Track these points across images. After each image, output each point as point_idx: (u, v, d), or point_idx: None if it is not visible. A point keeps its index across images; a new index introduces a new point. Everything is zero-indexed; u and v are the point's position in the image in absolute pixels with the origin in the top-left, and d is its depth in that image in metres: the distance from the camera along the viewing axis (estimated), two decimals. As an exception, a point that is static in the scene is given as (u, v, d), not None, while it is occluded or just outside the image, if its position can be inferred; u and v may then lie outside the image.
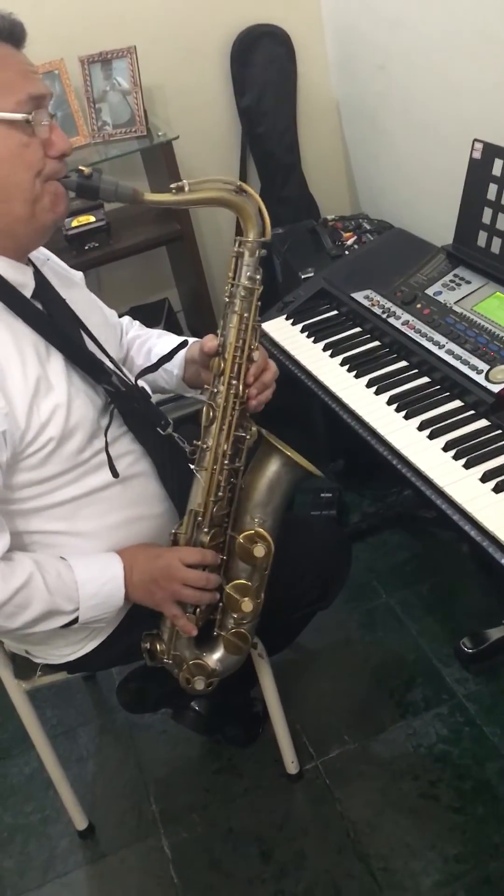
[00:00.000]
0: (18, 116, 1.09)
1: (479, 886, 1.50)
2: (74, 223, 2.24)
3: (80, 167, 1.16)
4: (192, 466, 1.31)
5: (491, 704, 1.79)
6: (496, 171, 1.71)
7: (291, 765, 1.73)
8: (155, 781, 1.81)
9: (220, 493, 1.29)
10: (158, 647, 1.35)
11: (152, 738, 1.89)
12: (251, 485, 1.33)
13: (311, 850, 1.62)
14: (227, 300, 1.27)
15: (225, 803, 1.74)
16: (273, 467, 1.33)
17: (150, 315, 2.56)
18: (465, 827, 1.59)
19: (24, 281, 1.21)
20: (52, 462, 1.20)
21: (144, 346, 1.53)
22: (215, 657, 1.36)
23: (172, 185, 1.17)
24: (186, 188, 1.17)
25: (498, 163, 1.71)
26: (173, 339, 1.52)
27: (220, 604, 1.33)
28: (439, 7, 1.91)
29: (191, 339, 1.47)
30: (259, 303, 1.27)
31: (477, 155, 1.75)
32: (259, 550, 1.30)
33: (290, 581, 1.46)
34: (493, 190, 1.73)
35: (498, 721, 1.76)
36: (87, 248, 2.26)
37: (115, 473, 1.26)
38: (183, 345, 1.44)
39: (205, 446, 1.28)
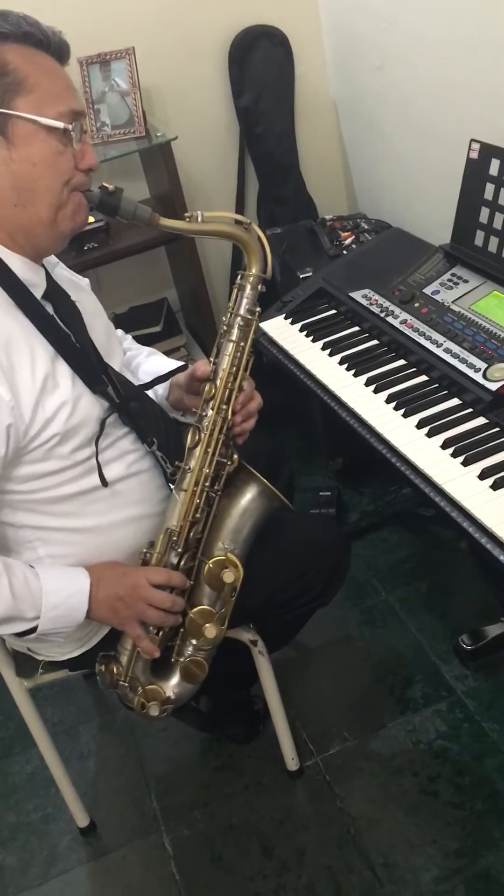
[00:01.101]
0: (59, 125, 1.14)
1: (478, 881, 1.51)
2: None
3: (105, 184, 1.20)
4: (171, 487, 1.32)
5: (490, 701, 1.80)
6: (493, 170, 1.72)
7: (292, 761, 1.74)
8: (156, 779, 1.82)
9: (198, 516, 1.31)
10: (115, 669, 1.35)
11: (153, 735, 1.90)
12: (225, 511, 1.35)
13: (311, 846, 1.63)
14: (225, 329, 1.33)
15: (226, 800, 1.75)
16: (249, 495, 1.36)
17: (149, 315, 2.57)
18: (465, 822, 1.60)
19: (36, 281, 1.23)
20: (55, 457, 1.21)
21: (133, 361, 1.56)
22: (171, 684, 1.36)
23: (187, 214, 1.24)
24: (200, 219, 1.24)
25: (495, 163, 1.72)
26: (161, 360, 1.55)
27: (181, 629, 1.34)
28: (436, 8, 1.92)
29: (187, 364, 1.49)
30: (254, 336, 1.33)
31: (474, 155, 1.76)
32: (229, 576, 1.32)
33: (290, 579, 1.47)
34: (490, 189, 1.74)
35: (497, 717, 1.77)
36: (86, 248, 2.27)
37: (104, 482, 1.27)
38: (182, 368, 1.46)
39: (187, 468, 1.31)
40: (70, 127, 1.15)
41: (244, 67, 2.44)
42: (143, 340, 2.49)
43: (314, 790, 1.73)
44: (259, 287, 1.32)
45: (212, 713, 1.81)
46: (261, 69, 2.45)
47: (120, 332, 1.61)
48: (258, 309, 1.33)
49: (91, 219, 2.26)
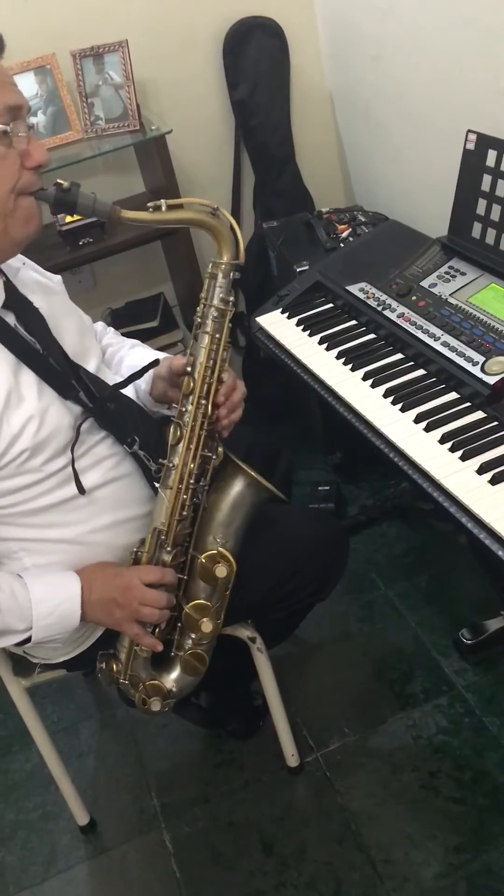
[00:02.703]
0: None
1: (479, 876, 1.51)
2: (68, 219, 2.23)
3: (59, 181, 1.14)
4: (156, 485, 1.31)
5: (490, 695, 1.80)
6: (490, 161, 1.70)
7: (292, 757, 1.74)
8: (156, 776, 1.82)
9: (185, 513, 1.30)
10: (115, 667, 1.35)
11: (153, 732, 1.90)
12: (214, 505, 1.34)
13: (312, 843, 1.63)
14: (199, 321, 1.29)
15: (226, 797, 1.74)
16: (237, 488, 1.35)
17: (146, 310, 2.56)
18: (466, 817, 1.60)
19: None
20: (27, 472, 1.20)
21: (116, 356, 1.52)
22: (172, 678, 1.36)
23: (150, 204, 1.18)
24: (164, 208, 1.18)
25: (492, 154, 1.70)
26: (144, 352, 1.51)
27: (179, 624, 1.34)
28: (432, -3, 1.90)
29: (162, 356, 1.46)
30: (230, 325, 1.29)
31: (471, 146, 1.74)
32: (221, 571, 1.31)
33: (289, 574, 1.46)
34: (487, 181, 1.73)
35: (497, 711, 1.76)
36: (81, 243, 2.25)
37: (81, 490, 1.25)
38: (154, 364, 1.42)
39: (171, 465, 1.29)
40: (8, 128, 1.08)
41: (239, 59, 2.41)
42: (139, 335, 2.48)
43: (314, 786, 1.72)
44: (232, 275, 1.27)
45: (212, 710, 1.81)
46: (255, 61, 2.43)
47: (100, 325, 1.58)
48: (232, 298, 1.29)
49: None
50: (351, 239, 2.23)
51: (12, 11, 2.09)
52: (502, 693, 1.80)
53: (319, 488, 2.38)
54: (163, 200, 1.19)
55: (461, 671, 1.86)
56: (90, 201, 1.15)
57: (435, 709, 1.80)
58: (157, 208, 1.18)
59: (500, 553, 1.22)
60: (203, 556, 1.32)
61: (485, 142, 1.71)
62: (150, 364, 1.42)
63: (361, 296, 1.83)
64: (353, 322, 1.82)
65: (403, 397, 1.55)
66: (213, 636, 1.35)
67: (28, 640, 1.26)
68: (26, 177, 1.13)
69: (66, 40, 2.18)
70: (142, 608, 1.27)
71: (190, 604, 1.33)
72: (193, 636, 1.34)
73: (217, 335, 1.28)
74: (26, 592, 1.24)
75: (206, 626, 1.32)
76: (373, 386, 1.61)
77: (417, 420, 1.49)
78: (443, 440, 1.42)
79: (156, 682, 1.35)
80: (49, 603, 1.25)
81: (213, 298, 1.28)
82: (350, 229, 2.27)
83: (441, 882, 1.51)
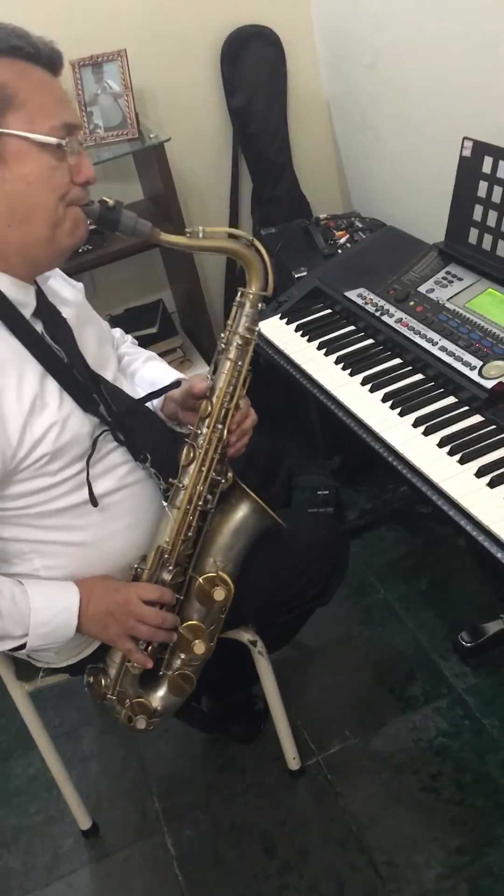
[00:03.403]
0: (52, 140, 1.12)
1: (481, 878, 1.51)
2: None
3: (105, 198, 1.18)
4: (164, 504, 1.32)
5: (490, 697, 1.80)
6: (486, 168, 1.72)
7: (293, 761, 1.74)
8: (158, 779, 1.83)
9: (190, 533, 1.31)
10: (103, 681, 1.35)
11: (154, 736, 1.90)
12: (217, 528, 1.36)
13: (314, 845, 1.63)
14: (223, 346, 1.31)
15: (228, 800, 1.75)
16: (242, 513, 1.36)
17: (145, 316, 2.57)
18: (467, 819, 1.60)
19: (25, 300, 1.21)
20: (44, 475, 1.21)
21: (130, 367, 1.54)
22: (158, 696, 1.36)
23: (187, 230, 1.23)
24: (201, 234, 1.22)
25: (488, 160, 1.72)
26: (159, 367, 1.53)
27: (171, 643, 1.34)
28: (428, 6, 1.92)
29: (181, 376, 1.47)
30: (252, 353, 1.31)
31: (467, 153, 1.76)
32: (219, 594, 1.32)
33: (289, 578, 1.47)
34: (483, 187, 1.75)
35: (497, 714, 1.77)
36: (80, 250, 2.26)
37: (94, 502, 1.26)
38: (175, 384, 1.43)
39: (181, 485, 1.31)
40: (64, 142, 1.13)
41: (236, 67, 2.44)
42: (139, 342, 2.50)
43: (316, 789, 1.73)
44: (259, 305, 1.30)
45: (213, 713, 1.81)
46: (253, 69, 2.45)
47: (118, 332, 1.60)
48: (258, 328, 1.31)
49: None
50: (349, 245, 2.25)
51: (11, 21, 2.11)
52: (502, 695, 1.81)
53: (319, 493, 2.39)
54: (200, 227, 1.23)
55: (461, 674, 1.87)
56: (132, 221, 1.19)
57: (435, 711, 1.81)
58: (195, 234, 1.23)
59: (498, 555, 1.23)
60: (202, 577, 1.33)
61: (481, 149, 1.73)
62: (171, 384, 1.43)
63: (360, 301, 1.84)
64: (352, 327, 1.84)
65: (402, 402, 1.57)
66: (205, 658, 1.36)
67: (22, 647, 1.27)
68: (75, 190, 1.17)
69: (65, 50, 2.15)
70: (137, 625, 1.28)
71: (184, 624, 1.33)
72: (184, 656, 1.35)
73: (239, 362, 1.31)
74: (26, 599, 1.25)
75: (199, 647, 1.33)
76: (371, 391, 1.62)
77: (416, 424, 1.50)
78: (441, 444, 1.44)
79: (142, 699, 1.35)
80: (48, 611, 1.26)
81: (238, 326, 1.30)
82: (347, 235, 2.29)
83: (442, 884, 1.52)
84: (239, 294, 1.31)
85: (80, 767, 1.87)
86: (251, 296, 1.30)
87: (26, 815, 1.82)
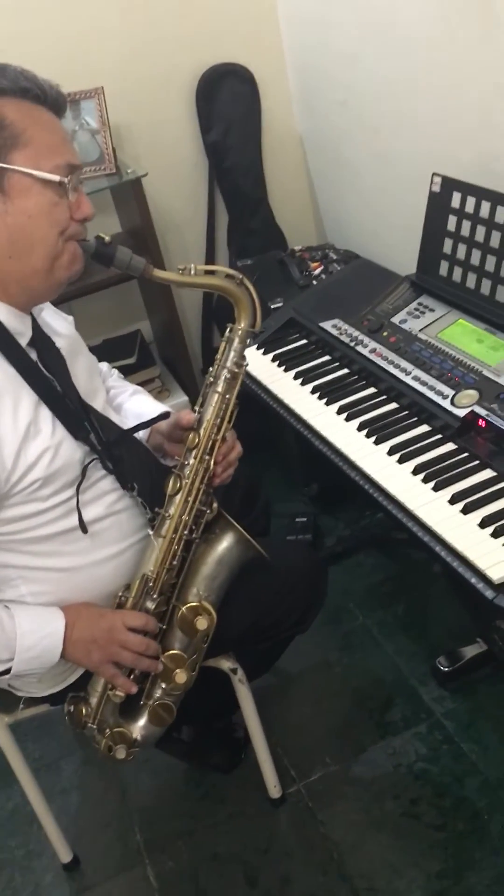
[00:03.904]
0: (55, 178, 1.16)
1: (461, 902, 1.52)
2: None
3: (101, 234, 1.23)
4: (150, 532, 1.34)
5: (468, 721, 1.82)
6: (455, 203, 1.78)
7: (274, 789, 1.75)
8: (139, 810, 1.82)
9: (174, 563, 1.33)
10: (84, 710, 1.35)
11: (135, 767, 1.90)
12: (201, 558, 1.38)
13: (296, 874, 1.63)
14: (212, 380, 1.35)
15: (209, 829, 1.75)
16: (225, 544, 1.39)
17: (123, 347, 2.59)
18: (447, 843, 1.61)
19: (22, 329, 1.24)
20: (35, 500, 1.23)
21: (116, 399, 1.57)
22: (138, 726, 1.37)
23: (180, 267, 1.27)
24: (193, 272, 1.27)
25: (456, 196, 1.77)
26: (145, 400, 1.57)
27: (152, 673, 1.36)
28: (396, 46, 1.98)
29: (167, 409, 1.51)
30: (239, 388, 1.35)
31: (436, 188, 1.82)
32: (202, 623, 1.34)
33: (269, 607, 1.49)
34: (452, 221, 1.80)
35: (475, 738, 1.79)
36: (59, 282, 2.29)
37: (83, 529, 1.28)
38: (164, 416, 1.47)
39: (167, 515, 1.33)
40: (66, 180, 1.17)
41: (211, 104, 2.49)
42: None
43: (297, 817, 1.73)
44: (247, 341, 1.35)
45: (194, 743, 1.81)
46: (228, 105, 2.50)
47: (105, 366, 1.63)
48: (246, 363, 1.35)
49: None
50: (323, 276, 2.29)
51: (-10, 59, 2.15)
52: (480, 719, 1.82)
53: (297, 520, 2.41)
54: (193, 264, 1.27)
55: (439, 698, 1.89)
56: (127, 257, 1.24)
57: (414, 736, 1.83)
58: (187, 271, 1.27)
59: (472, 580, 1.26)
60: (185, 606, 1.34)
61: (450, 184, 1.78)
62: (160, 416, 1.46)
63: (334, 332, 1.88)
64: (327, 357, 1.88)
65: (377, 430, 1.60)
66: (186, 688, 1.37)
67: (8, 671, 1.27)
68: (74, 226, 1.21)
69: (43, 87, 2.23)
70: (121, 651, 1.29)
71: (166, 653, 1.34)
72: (165, 686, 1.36)
73: (227, 395, 1.35)
74: (13, 623, 1.26)
75: (181, 676, 1.34)
76: (347, 419, 1.65)
77: (391, 452, 1.53)
78: (416, 471, 1.47)
79: (122, 729, 1.36)
80: (33, 636, 1.27)
81: (227, 360, 1.35)
82: (322, 267, 2.33)
83: (424, 909, 1.53)
84: (228, 329, 1.36)
85: (60, 800, 1.86)
86: (240, 331, 1.35)
87: (6, 849, 1.80)
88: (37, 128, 1.16)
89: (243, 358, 1.35)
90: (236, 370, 1.35)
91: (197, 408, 1.36)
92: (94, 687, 1.36)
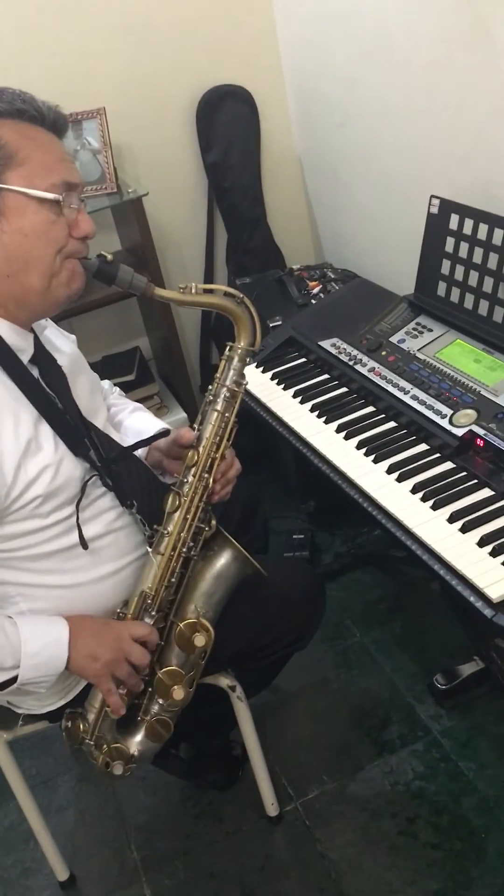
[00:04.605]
0: (50, 196, 1.17)
1: (459, 921, 1.52)
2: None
3: (104, 252, 1.24)
4: (148, 549, 1.35)
5: (465, 740, 1.83)
6: (453, 225, 1.80)
7: (271, 807, 1.74)
8: (136, 828, 1.81)
9: (173, 579, 1.34)
10: (81, 726, 1.35)
11: (132, 784, 1.89)
12: (199, 575, 1.39)
13: (292, 892, 1.63)
14: (211, 398, 1.36)
15: (206, 848, 1.74)
16: (223, 560, 1.40)
17: (123, 363, 2.61)
18: (444, 862, 1.61)
19: (23, 346, 1.26)
20: (35, 517, 1.24)
21: (116, 417, 1.58)
22: (135, 741, 1.37)
23: (181, 286, 1.28)
24: (193, 290, 1.28)
25: (454, 217, 1.80)
26: (146, 418, 1.58)
27: (149, 689, 1.36)
28: (394, 69, 2.01)
29: (167, 426, 1.52)
30: (238, 406, 1.37)
31: (434, 210, 1.84)
32: (200, 640, 1.34)
33: (267, 624, 1.49)
34: (450, 243, 1.82)
35: (472, 756, 1.79)
36: (60, 299, 2.30)
37: (84, 545, 1.29)
38: (164, 433, 1.48)
39: (165, 532, 1.34)
40: (60, 198, 1.18)
41: (211, 124, 2.52)
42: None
43: (294, 835, 1.73)
44: (247, 360, 1.36)
45: (191, 761, 1.81)
46: (227, 126, 2.53)
47: (107, 383, 1.64)
48: (245, 381, 1.37)
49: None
50: (322, 295, 2.31)
51: (-6, 80, 2.18)
52: (477, 738, 1.83)
53: (294, 537, 2.42)
54: (194, 283, 1.28)
55: (436, 716, 1.89)
56: (129, 276, 1.25)
57: (411, 754, 1.83)
58: (188, 290, 1.28)
59: (471, 599, 1.27)
60: (183, 623, 1.35)
61: (447, 207, 1.81)
62: (159, 433, 1.48)
63: (333, 351, 1.90)
64: (326, 376, 1.89)
65: (375, 448, 1.61)
66: (183, 705, 1.37)
67: (13, 680, 1.27)
68: (73, 244, 1.22)
69: (46, 107, 2.26)
70: (122, 663, 1.29)
71: (163, 670, 1.35)
72: (162, 702, 1.36)
73: (227, 414, 1.36)
74: (17, 631, 1.26)
75: (178, 693, 1.34)
76: (346, 438, 1.67)
77: (390, 471, 1.54)
78: (414, 490, 1.48)
79: (119, 745, 1.36)
80: (37, 643, 1.27)
81: (226, 379, 1.36)
82: (320, 286, 2.35)
83: (421, 928, 1.53)
84: (228, 348, 1.37)
85: (56, 817, 1.86)
86: (240, 350, 1.36)
87: (2, 866, 1.79)
88: (32, 147, 1.18)
89: (243, 377, 1.37)
90: (236, 389, 1.36)
91: (196, 426, 1.37)
92: (91, 703, 1.36)
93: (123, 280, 1.25)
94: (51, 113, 1.22)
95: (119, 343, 2.73)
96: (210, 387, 1.37)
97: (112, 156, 2.30)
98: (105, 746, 1.35)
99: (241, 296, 1.34)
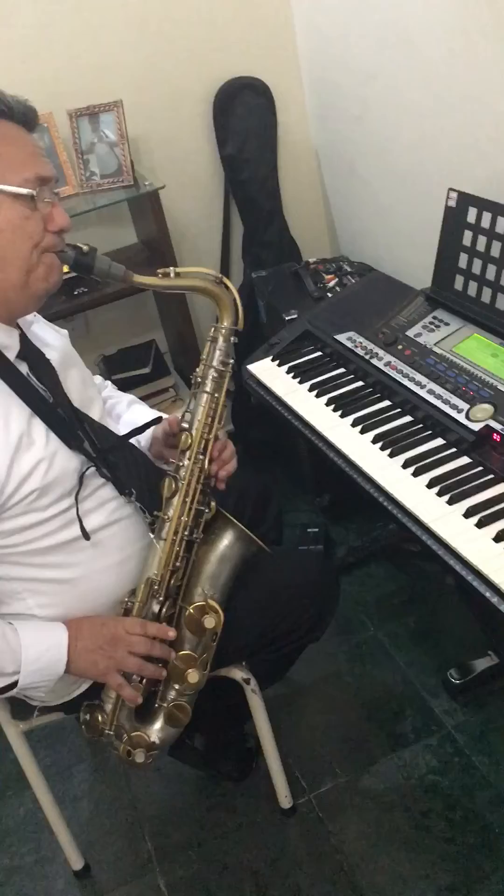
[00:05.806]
0: (23, 191, 1.17)
1: (472, 915, 1.52)
2: (65, 268, 2.29)
3: (79, 244, 1.24)
4: (151, 536, 1.35)
5: (479, 734, 1.83)
6: (471, 218, 1.79)
7: (285, 799, 1.75)
8: (150, 819, 1.83)
9: (178, 564, 1.35)
10: (100, 717, 1.37)
11: (146, 775, 1.91)
12: (204, 558, 1.39)
13: (305, 884, 1.64)
14: (199, 380, 1.37)
15: (220, 839, 1.75)
16: (226, 541, 1.40)
17: (138, 356, 2.61)
18: (457, 856, 1.62)
19: (8, 343, 1.26)
20: (33, 511, 1.24)
21: (114, 409, 1.59)
22: (155, 728, 1.38)
23: (159, 271, 1.29)
24: (172, 275, 1.29)
25: (472, 211, 1.78)
26: (142, 409, 1.59)
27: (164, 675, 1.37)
28: (414, 63, 2.00)
29: (163, 416, 1.52)
30: (227, 387, 1.38)
31: (452, 203, 1.83)
32: (209, 622, 1.35)
33: (281, 616, 1.50)
34: (468, 236, 1.81)
35: (486, 751, 1.79)
36: (76, 293, 2.31)
37: (85, 536, 1.30)
38: (156, 421, 1.49)
39: (166, 517, 1.35)
40: (34, 192, 1.18)
41: (228, 117, 2.51)
42: (132, 382, 2.53)
43: (307, 828, 1.74)
44: (231, 339, 1.37)
45: (206, 751, 1.82)
46: (244, 119, 2.53)
47: (98, 378, 1.65)
48: (231, 361, 1.38)
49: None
50: (337, 289, 2.30)
51: (11, 72, 2.18)
52: (491, 732, 1.83)
53: (308, 530, 2.42)
54: (171, 268, 1.29)
55: (450, 711, 1.89)
56: (106, 265, 1.26)
57: (425, 748, 1.83)
58: (166, 275, 1.29)
59: (486, 594, 1.26)
60: (191, 606, 1.35)
61: (465, 200, 1.79)
62: (152, 421, 1.48)
63: (349, 345, 1.89)
64: (342, 370, 1.89)
65: (392, 443, 1.61)
66: (198, 688, 1.38)
67: (13, 685, 1.29)
68: (49, 238, 1.22)
69: (63, 100, 2.26)
70: (127, 657, 1.30)
71: (177, 654, 1.35)
72: (178, 687, 1.37)
73: (216, 394, 1.37)
74: (17, 636, 1.28)
75: (193, 676, 1.35)
76: (362, 432, 1.66)
77: (405, 465, 1.54)
78: (430, 485, 1.47)
79: (139, 733, 1.37)
80: (37, 648, 1.28)
81: (213, 360, 1.37)
82: (336, 279, 2.35)
83: (434, 922, 1.53)
84: (212, 329, 1.38)
85: (71, 807, 1.87)
86: (223, 330, 1.37)
87: (18, 855, 1.81)
88: (2, 143, 1.18)
89: (229, 356, 1.38)
90: (222, 369, 1.37)
91: (185, 409, 1.38)
92: (107, 694, 1.37)
93: (101, 269, 1.25)
94: (19, 107, 1.21)
95: (135, 336, 2.73)
96: (197, 369, 1.38)
97: (129, 148, 2.30)
98: (125, 736, 1.37)
99: (220, 276, 1.34)
